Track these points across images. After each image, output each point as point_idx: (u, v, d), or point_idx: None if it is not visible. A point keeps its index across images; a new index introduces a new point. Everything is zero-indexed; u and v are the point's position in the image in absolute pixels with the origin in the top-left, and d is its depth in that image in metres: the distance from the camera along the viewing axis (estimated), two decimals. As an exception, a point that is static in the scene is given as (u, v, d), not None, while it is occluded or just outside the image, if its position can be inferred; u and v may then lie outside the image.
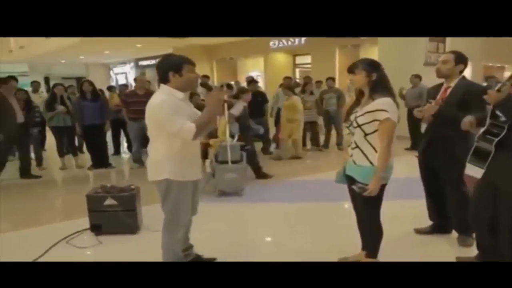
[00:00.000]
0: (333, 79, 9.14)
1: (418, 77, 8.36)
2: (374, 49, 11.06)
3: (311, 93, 8.61)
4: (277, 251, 3.64)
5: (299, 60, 16.16)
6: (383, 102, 2.73)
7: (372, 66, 2.84)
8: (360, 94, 2.95)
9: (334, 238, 3.76)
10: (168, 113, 2.61)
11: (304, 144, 8.83)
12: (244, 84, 11.16)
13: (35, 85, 9.54)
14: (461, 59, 3.37)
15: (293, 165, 7.52)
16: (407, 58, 9.47)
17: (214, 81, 17.47)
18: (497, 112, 2.72)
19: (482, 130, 2.83)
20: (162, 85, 2.78)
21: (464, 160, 3.04)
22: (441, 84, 3.51)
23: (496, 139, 2.68)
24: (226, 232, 4.05)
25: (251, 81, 8.77)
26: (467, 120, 3.06)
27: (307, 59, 15.25)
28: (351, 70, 2.89)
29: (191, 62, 2.79)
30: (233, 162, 5.34)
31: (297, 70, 16.40)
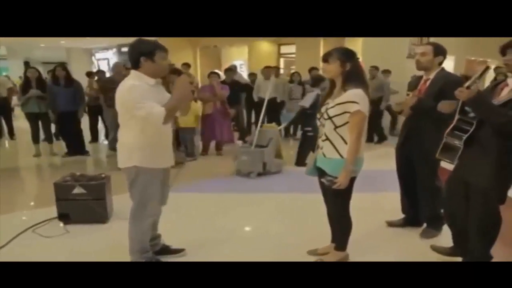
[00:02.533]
0: (317, 69, 9.10)
1: (376, 68, 8.45)
2: (359, 40, 11.02)
3: (299, 83, 8.58)
4: (248, 241, 3.61)
5: (284, 49, 16.03)
6: (354, 93, 2.68)
7: (347, 55, 2.77)
8: (332, 85, 2.89)
9: (305, 230, 3.74)
10: (137, 97, 2.56)
11: (287, 134, 8.85)
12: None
13: None
14: (439, 51, 3.34)
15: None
16: (390, 50, 9.47)
17: (197, 69, 17.30)
18: (466, 108, 2.70)
19: (450, 126, 2.80)
20: (133, 71, 2.73)
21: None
22: (421, 77, 3.49)
23: (466, 136, 2.67)
24: (197, 221, 4.00)
25: (227, 70, 8.70)
26: (446, 103, 3.05)
27: (292, 48, 15.12)
28: (325, 59, 2.82)
29: (163, 49, 2.73)
30: (258, 146, 5.71)
31: (282, 59, 16.29)
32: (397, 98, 7.36)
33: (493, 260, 2.80)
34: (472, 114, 2.69)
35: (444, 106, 3.10)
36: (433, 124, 3.18)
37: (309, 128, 6.09)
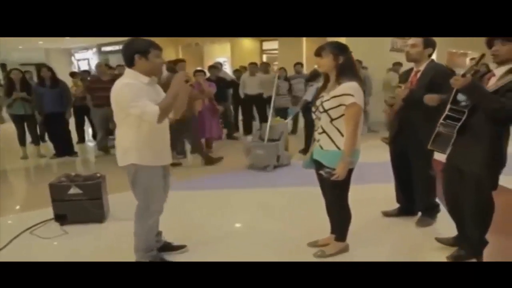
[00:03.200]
0: (301, 64, 9.18)
1: (360, 62, 8.50)
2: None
3: (285, 79, 8.64)
4: (249, 235, 3.64)
5: (266, 45, 16.04)
6: (349, 86, 2.74)
7: (340, 49, 2.82)
8: (326, 78, 2.95)
9: (305, 222, 3.79)
10: (131, 96, 2.56)
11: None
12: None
13: None
14: (429, 43, 3.41)
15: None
16: (373, 44, 9.58)
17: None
18: (458, 98, 2.79)
19: (442, 116, 2.88)
20: (127, 69, 2.73)
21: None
22: (411, 69, 3.55)
23: (459, 124, 2.75)
24: (194, 218, 4.03)
25: (211, 67, 8.70)
26: (432, 96, 3.13)
27: (275, 45, 15.15)
28: (318, 53, 2.86)
29: (158, 47, 2.74)
30: (271, 140, 5.87)
31: (264, 56, 16.31)
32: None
33: (488, 247, 2.89)
34: (463, 103, 2.76)
35: (430, 99, 3.18)
36: (426, 115, 3.25)
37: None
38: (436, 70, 3.34)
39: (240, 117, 9.26)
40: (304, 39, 13.33)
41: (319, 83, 6.22)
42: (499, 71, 2.69)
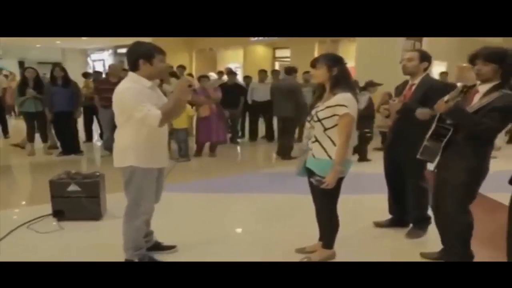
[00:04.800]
0: (296, 71, 9.21)
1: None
2: (353, 45, 11.16)
3: None
4: (238, 239, 3.71)
5: (279, 53, 16.16)
6: (343, 97, 2.79)
7: (334, 61, 2.88)
8: (322, 89, 2.99)
9: (294, 228, 3.82)
10: (134, 99, 2.62)
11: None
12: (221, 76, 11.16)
13: None
14: (425, 57, 3.46)
15: (264, 157, 7.62)
16: (384, 55, 9.59)
17: (193, 72, 17.37)
18: (443, 116, 2.86)
19: (430, 131, 2.94)
20: (130, 73, 2.79)
21: None
22: (407, 81, 3.60)
23: (445, 140, 2.83)
24: (189, 221, 4.08)
25: (230, 72, 8.80)
26: (424, 111, 3.18)
27: (287, 52, 15.26)
28: (313, 64, 2.94)
29: (162, 52, 2.80)
30: None
31: (277, 63, 16.41)
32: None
33: (475, 260, 2.90)
34: (449, 121, 2.84)
35: (421, 114, 3.23)
36: (419, 127, 3.27)
37: (368, 130, 6.58)
38: (431, 85, 3.39)
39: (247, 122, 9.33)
40: (316, 47, 13.41)
41: (371, 93, 6.48)
42: (482, 88, 2.75)
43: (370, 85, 6.91)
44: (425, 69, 3.49)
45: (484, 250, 3.17)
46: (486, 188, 2.94)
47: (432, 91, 3.25)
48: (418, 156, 3.02)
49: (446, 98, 2.72)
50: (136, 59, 2.73)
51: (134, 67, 2.76)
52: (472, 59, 2.75)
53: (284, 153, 7.01)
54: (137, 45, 2.79)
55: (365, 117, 6.45)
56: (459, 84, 2.99)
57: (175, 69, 9.08)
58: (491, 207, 4.12)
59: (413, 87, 3.47)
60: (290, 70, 7.13)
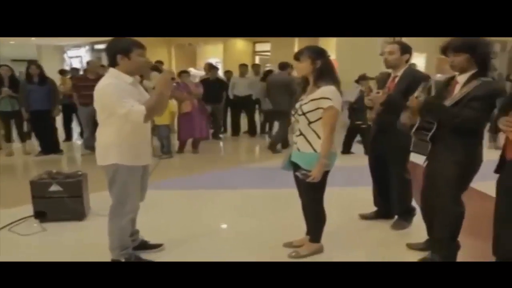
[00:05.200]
0: (291, 66, 9.21)
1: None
2: (332, 39, 11.20)
3: None
4: (225, 235, 3.71)
5: (259, 47, 16.11)
6: (327, 90, 2.79)
7: (317, 53, 2.87)
8: (306, 82, 2.99)
9: (281, 223, 3.83)
10: (116, 95, 2.58)
11: (263, 131, 8.97)
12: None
13: None
14: (406, 49, 3.50)
15: (247, 152, 7.60)
16: (364, 47, 9.65)
17: (173, 68, 17.20)
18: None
19: (415, 126, 2.94)
20: (111, 69, 2.75)
21: (407, 147, 3.16)
22: (389, 74, 3.63)
23: (430, 134, 2.82)
24: (174, 218, 4.05)
25: (212, 67, 8.74)
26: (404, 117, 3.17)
27: (267, 46, 15.23)
28: (296, 57, 2.93)
29: (141, 46, 2.76)
30: None
31: (257, 57, 16.37)
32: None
33: (460, 250, 2.94)
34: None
35: (404, 120, 3.21)
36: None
37: (360, 122, 6.67)
38: (414, 76, 3.41)
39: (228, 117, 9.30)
40: (296, 41, 13.40)
41: (363, 86, 6.58)
42: (461, 78, 2.77)
43: (363, 79, 7.09)
44: (407, 61, 3.52)
45: (468, 239, 3.21)
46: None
47: (415, 82, 3.26)
48: (411, 150, 3.05)
49: (416, 93, 2.73)
50: (114, 55, 2.70)
51: (113, 63, 2.72)
52: (444, 51, 2.78)
53: (273, 147, 7.09)
54: (115, 41, 2.75)
55: (357, 109, 6.67)
56: (438, 75, 3.02)
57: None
58: (474, 195, 4.19)
59: (396, 79, 3.49)
60: (284, 65, 7.26)
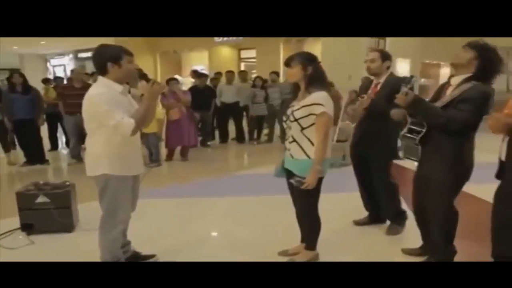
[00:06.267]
0: (277, 73, 9.23)
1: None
2: (318, 44, 11.26)
3: (262, 87, 8.69)
4: (219, 244, 3.65)
5: (244, 54, 16.13)
6: (319, 96, 2.78)
7: (308, 59, 2.86)
8: (296, 88, 2.98)
9: (276, 231, 3.79)
10: (106, 106, 2.53)
11: (251, 138, 8.95)
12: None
13: None
14: (386, 56, 3.57)
15: (236, 159, 7.56)
16: (348, 53, 9.72)
17: (158, 75, 17.12)
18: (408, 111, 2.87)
19: (404, 129, 2.94)
20: (100, 77, 2.70)
21: (390, 152, 3.15)
22: (371, 80, 3.67)
23: (418, 137, 2.82)
24: (165, 227, 3.99)
25: (201, 75, 8.70)
26: (396, 111, 3.17)
27: (252, 53, 15.26)
28: (287, 63, 2.92)
29: (129, 53, 2.72)
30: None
31: (242, 64, 16.39)
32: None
33: (456, 254, 2.94)
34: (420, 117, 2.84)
35: (395, 114, 3.24)
36: (385, 125, 3.35)
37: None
38: (396, 82, 3.41)
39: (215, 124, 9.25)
40: (281, 48, 13.48)
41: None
42: (454, 80, 2.77)
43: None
44: (388, 68, 3.58)
45: (464, 243, 3.21)
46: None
47: (398, 87, 3.30)
48: (403, 156, 3.07)
49: (404, 90, 2.70)
50: (103, 62, 2.64)
51: (102, 71, 2.67)
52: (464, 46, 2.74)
53: None
54: (103, 48, 2.70)
55: None
56: (422, 80, 3.03)
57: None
58: (469, 200, 4.21)
59: (379, 86, 3.54)
60: None
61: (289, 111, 2.93)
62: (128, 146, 2.75)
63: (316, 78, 2.84)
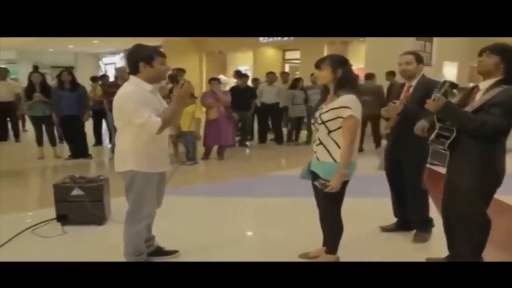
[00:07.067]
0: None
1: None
2: (363, 46, 11.06)
3: (301, 88, 8.65)
4: (242, 244, 3.66)
5: (289, 55, 16.11)
6: (347, 99, 2.73)
7: (338, 62, 2.81)
8: (326, 90, 2.93)
9: (299, 233, 3.76)
10: (134, 104, 2.60)
11: (289, 139, 8.92)
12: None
13: (2, 71, 9.14)
14: (420, 59, 3.50)
15: (272, 159, 7.55)
16: (394, 56, 9.44)
17: (203, 74, 17.40)
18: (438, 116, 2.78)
19: (433, 134, 2.86)
20: (132, 76, 2.77)
21: (424, 157, 3.06)
22: (403, 84, 3.60)
23: (448, 142, 2.73)
24: (194, 225, 4.04)
25: (242, 75, 8.77)
26: (419, 125, 3.14)
27: (296, 54, 15.20)
28: (317, 65, 2.88)
29: (162, 54, 2.78)
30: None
31: (287, 65, 16.37)
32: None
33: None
34: (449, 122, 2.75)
35: (418, 129, 3.16)
36: None
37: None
38: (428, 84, 3.31)
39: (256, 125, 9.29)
40: (325, 49, 13.32)
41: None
42: (483, 85, 2.68)
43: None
44: (421, 70, 3.49)
45: (494, 254, 3.05)
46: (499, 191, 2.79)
47: (430, 91, 3.19)
48: (429, 161, 2.99)
49: (433, 96, 2.63)
50: (136, 62, 2.71)
51: (134, 70, 2.74)
52: (481, 53, 2.69)
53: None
54: (137, 48, 2.77)
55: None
56: (470, 84, 2.92)
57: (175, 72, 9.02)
58: (501, 209, 4.00)
59: (411, 89, 3.46)
60: (369, 76, 8.06)
61: (317, 114, 2.90)
62: (155, 144, 2.80)
63: (345, 81, 2.79)
